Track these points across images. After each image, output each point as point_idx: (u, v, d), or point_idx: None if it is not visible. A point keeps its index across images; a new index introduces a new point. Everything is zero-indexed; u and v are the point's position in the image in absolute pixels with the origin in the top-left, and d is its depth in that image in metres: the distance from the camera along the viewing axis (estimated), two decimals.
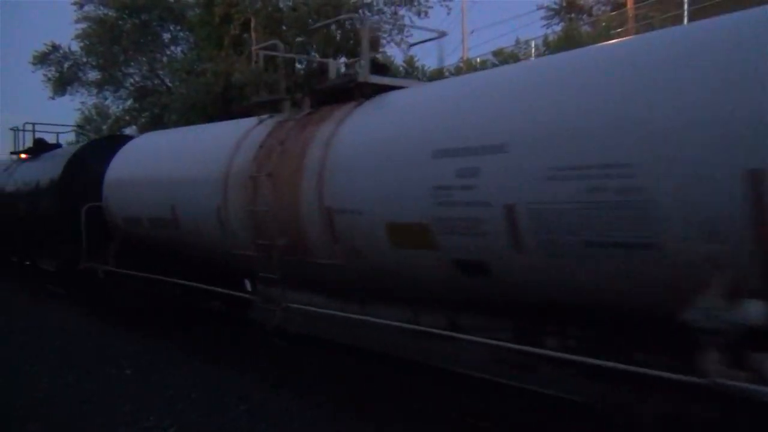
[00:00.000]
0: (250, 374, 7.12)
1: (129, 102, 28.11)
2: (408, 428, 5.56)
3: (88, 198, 10.21)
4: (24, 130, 16.02)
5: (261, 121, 7.36)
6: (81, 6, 26.82)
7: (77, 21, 27.04)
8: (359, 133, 5.79)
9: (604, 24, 19.09)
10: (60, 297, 12.26)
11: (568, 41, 16.35)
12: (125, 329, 9.54)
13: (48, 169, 12.26)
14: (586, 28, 20.27)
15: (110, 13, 26.66)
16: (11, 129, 16.08)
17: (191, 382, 6.91)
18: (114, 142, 11.57)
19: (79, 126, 30.61)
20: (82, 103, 31.21)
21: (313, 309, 6.44)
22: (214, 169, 7.35)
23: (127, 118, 26.65)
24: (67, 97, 28.88)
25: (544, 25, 28.04)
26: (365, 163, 5.50)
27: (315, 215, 5.84)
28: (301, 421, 5.75)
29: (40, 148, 14.68)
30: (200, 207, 7.53)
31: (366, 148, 5.60)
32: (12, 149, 16.32)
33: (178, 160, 8.48)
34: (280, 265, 6.45)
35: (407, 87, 6.49)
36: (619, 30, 19.31)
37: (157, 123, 21.75)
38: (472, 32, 43.09)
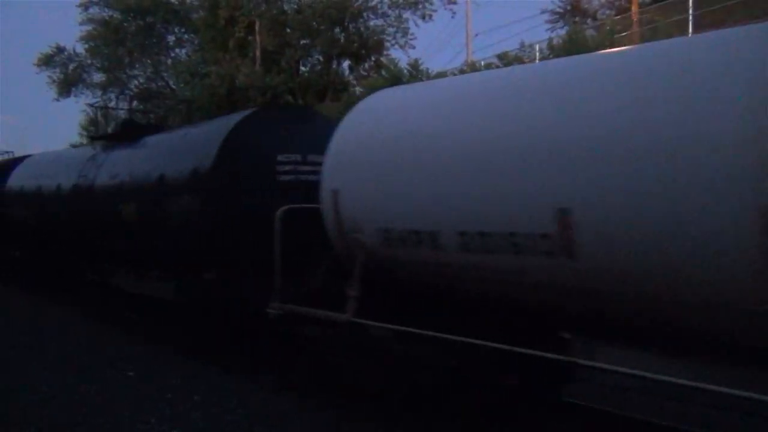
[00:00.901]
0: (251, 377, 7.09)
1: (133, 104, 28.28)
2: None
3: (259, 198, 7.11)
4: (117, 108, 13.59)
5: None
6: (86, 8, 26.98)
7: (82, 23, 27.24)
8: None
9: (608, 28, 19.05)
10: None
11: (572, 45, 16.32)
12: (126, 331, 9.53)
13: (182, 156, 8.30)
14: (590, 32, 20.24)
15: (115, 15, 26.81)
16: (87, 105, 13.74)
17: (192, 384, 6.89)
18: (292, 113, 8.42)
19: (83, 127, 30.66)
20: (87, 104, 31.42)
21: None
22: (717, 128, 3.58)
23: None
24: (71, 99, 29.09)
25: (549, 29, 28.08)
26: None
27: None
28: (300, 425, 5.72)
29: (135, 130, 10.74)
30: (682, 215, 3.67)
31: None
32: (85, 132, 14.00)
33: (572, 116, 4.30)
34: None
35: None
36: (624, 34, 19.28)
37: (161, 125, 21.83)
38: (477, 35, 43.12)
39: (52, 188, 11.94)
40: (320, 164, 6.22)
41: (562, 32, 23.39)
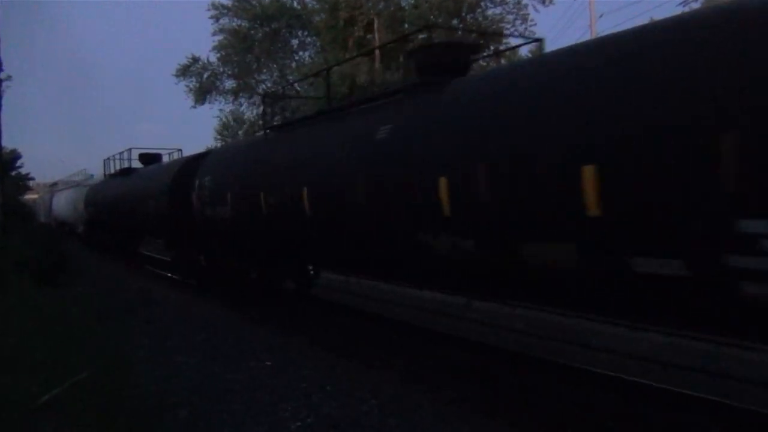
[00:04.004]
0: (381, 369, 7.22)
1: (262, 107, 29.71)
2: None
3: None
4: None
5: None
6: (217, 19, 28.65)
7: (214, 33, 28.91)
8: None
9: None
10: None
11: None
12: (262, 324, 10.02)
13: None
14: None
15: (243, 24, 28.26)
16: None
17: (325, 374, 7.13)
18: None
19: (218, 132, 32.54)
20: (220, 110, 33.42)
21: None
22: None
23: (261, 122, 28.09)
24: (206, 106, 31.04)
25: (681, 3, 26.27)
26: None
27: None
28: (431, 417, 5.75)
29: None
30: None
31: None
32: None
33: None
34: None
35: None
36: None
37: None
38: (601, 16, 41.33)
39: None
40: None
41: (697, 6, 21.82)
